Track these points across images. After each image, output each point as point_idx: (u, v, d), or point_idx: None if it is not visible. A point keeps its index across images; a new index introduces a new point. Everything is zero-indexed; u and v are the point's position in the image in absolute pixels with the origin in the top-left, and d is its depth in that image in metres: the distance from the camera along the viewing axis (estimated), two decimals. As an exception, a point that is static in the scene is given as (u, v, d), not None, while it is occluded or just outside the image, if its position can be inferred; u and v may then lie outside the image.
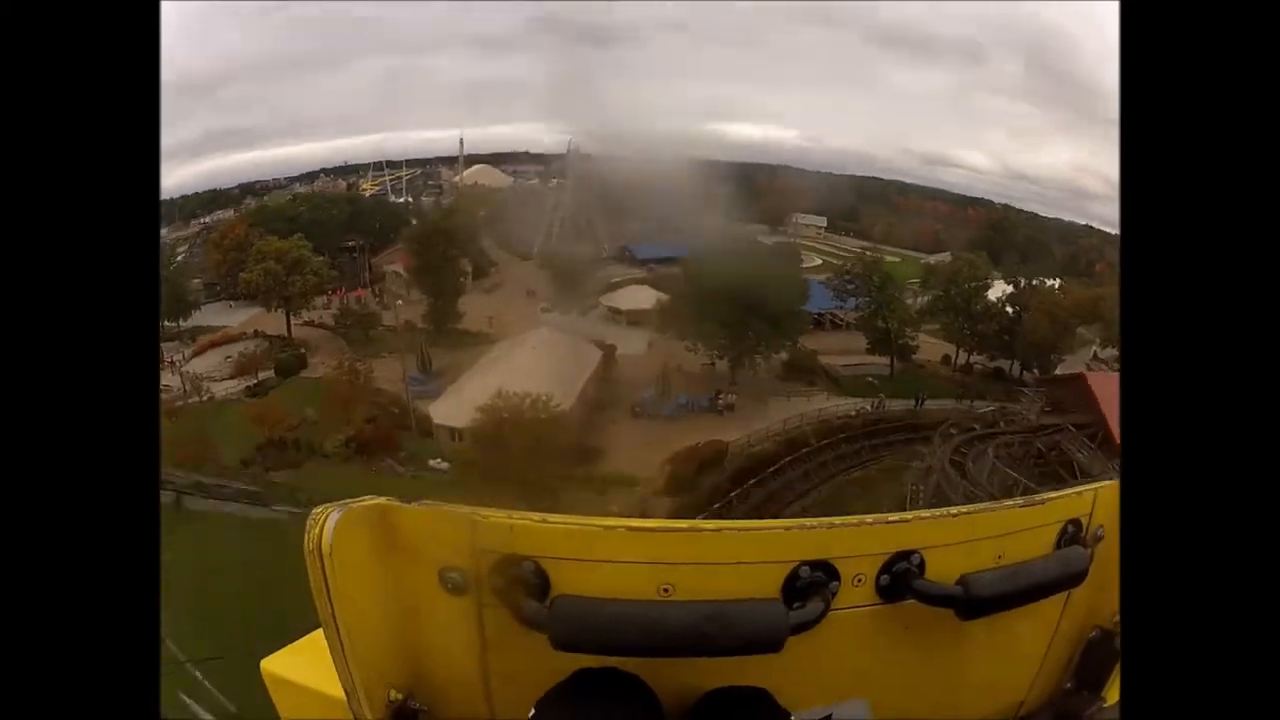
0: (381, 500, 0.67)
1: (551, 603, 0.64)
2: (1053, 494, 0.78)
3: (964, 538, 0.73)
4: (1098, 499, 0.80)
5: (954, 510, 0.74)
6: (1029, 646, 0.83)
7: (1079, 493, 0.80)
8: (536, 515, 0.66)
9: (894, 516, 0.72)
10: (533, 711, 0.65)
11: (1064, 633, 0.84)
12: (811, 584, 0.68)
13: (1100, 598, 0.82)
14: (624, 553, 0.66)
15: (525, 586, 0.65)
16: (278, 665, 1.00)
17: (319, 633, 1.06)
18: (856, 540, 0.70)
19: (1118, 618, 0.55)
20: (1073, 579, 0.75)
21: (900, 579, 0.70)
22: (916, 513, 0.73)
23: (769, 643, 0.64)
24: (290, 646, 1.04)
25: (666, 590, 0.66)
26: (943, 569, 0.71)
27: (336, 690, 0.67)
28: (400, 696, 0.68)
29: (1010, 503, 0.77)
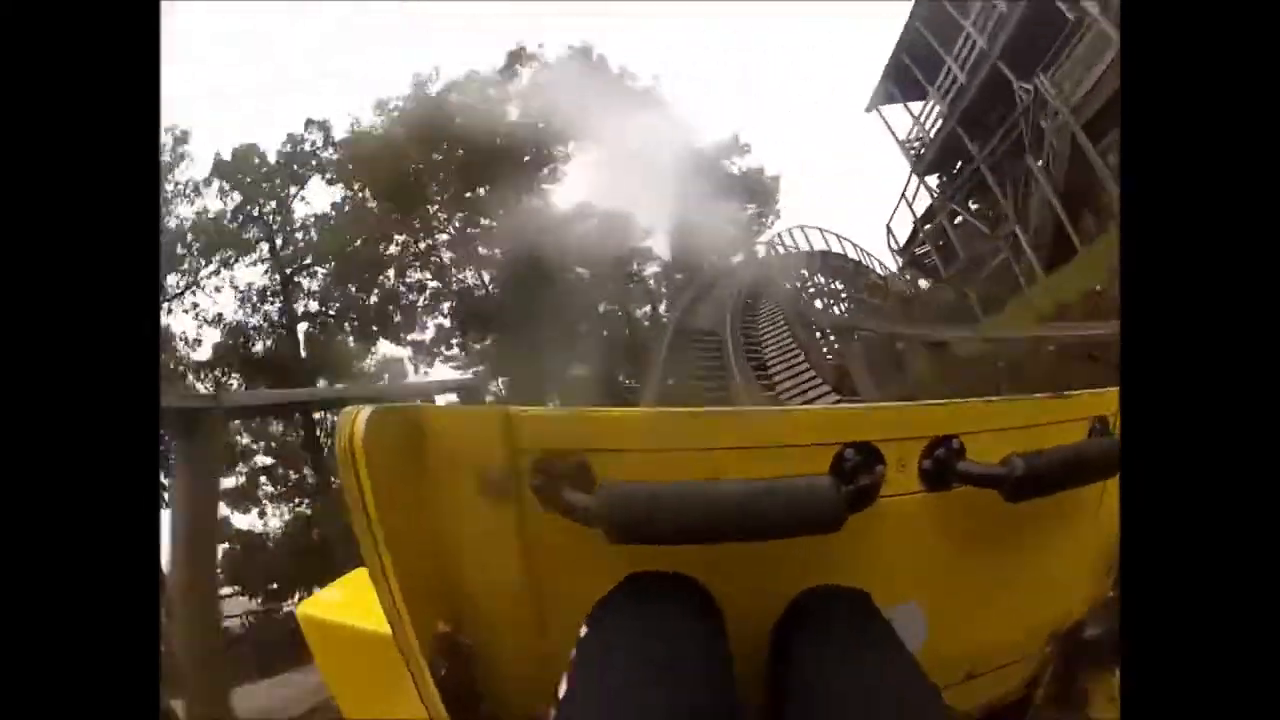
0: (414, 402, 0.63)
1: (598, 490, 0.60)
2: (1080, 391, 0.78)
3: (1001, 424, 0.73)
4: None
5: (989, 399, 0.75)
6: (1073, 545, 0.82)
7: (1104, 393, 0.80)
8: (574, 409, 0.65)
9: (932, 402, 0.73)
10: (584, 628, 0.61)
11: (1100, 536, 0.83)
12: (858, 466, 0.67)
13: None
14: (669, 439, 0.65)
15: (570, 481, 0.62)
16: (313, 608, 0.96)
17: (352, 575, 1.02)
18: (898, 423, 0.70)
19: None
20: (1113, 464, 0.73)
21: (943, 463, 0.70)
22: (953, 400, 0.73)
23: (828, 518, 0.61)
24: (325, 589, 1.02)
25: (714, 477, 0.64)
26: (981, 456, 0.71)
27: (376, 625, 0.64)
28: (448, 629, 0.64)
29: (1041, 396, 0.78)
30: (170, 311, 15.93)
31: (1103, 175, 9.24)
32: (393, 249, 18.80)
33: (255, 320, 17.45)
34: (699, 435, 0.66)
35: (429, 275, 19.28)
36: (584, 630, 0.61)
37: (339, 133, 18.30)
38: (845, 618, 0.66)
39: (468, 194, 18.73)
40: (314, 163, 18.15)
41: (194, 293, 16.55)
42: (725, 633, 0.65)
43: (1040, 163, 10.72)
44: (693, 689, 0.56)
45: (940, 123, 14.51)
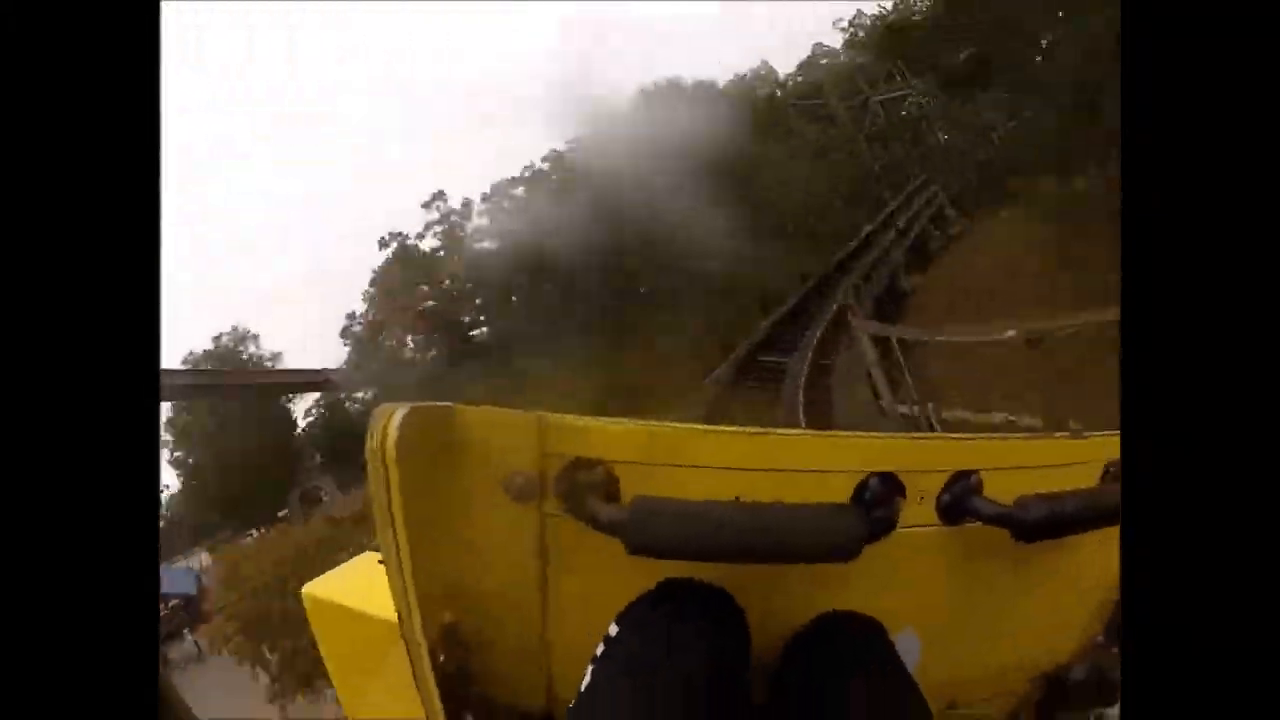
0: (448, 403, 0.64)
1: (630, 502, 0.62)
2: (1096, 433, 0.79)
3: (1020, 462, 0.74)
4: None
5: (1010, 436, 0.76)
6: (1072, 590, 0.83)
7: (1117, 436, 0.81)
8: (606, 419, 0.65)
9: (956, 436, 0.73)
10: (614, 626, 0.63)
11: (1099, 584, 0.84)
12: (880, 495, 0.68)
13: None
14: (697, 457, 0.65)
15: (595, 490, 0.63)
16: (319, 589, 1.00)
17: (361, 559, 1.06)
18: (923, 455, 0.71)
19: None
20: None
21: (960, 498, 0.71)
22: (977, 435, 0.74)
23: (847, 548, 0.63)
24: (332, 571, 1.06)
25: (739, 498, 0.65)
26: (998, 493, 0.72)
27: (380, 611, 0.65)
28: (453, 620, 0.66)
29: (1060, 435, 0.80)
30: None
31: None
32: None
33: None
34: (726, 454, 0.66)
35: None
36: (613, 629, 0.64)
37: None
38: (858, 644, 0.69)
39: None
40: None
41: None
42: (748, 642, 0.67)
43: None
44: (710, 700, 0.59)
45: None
